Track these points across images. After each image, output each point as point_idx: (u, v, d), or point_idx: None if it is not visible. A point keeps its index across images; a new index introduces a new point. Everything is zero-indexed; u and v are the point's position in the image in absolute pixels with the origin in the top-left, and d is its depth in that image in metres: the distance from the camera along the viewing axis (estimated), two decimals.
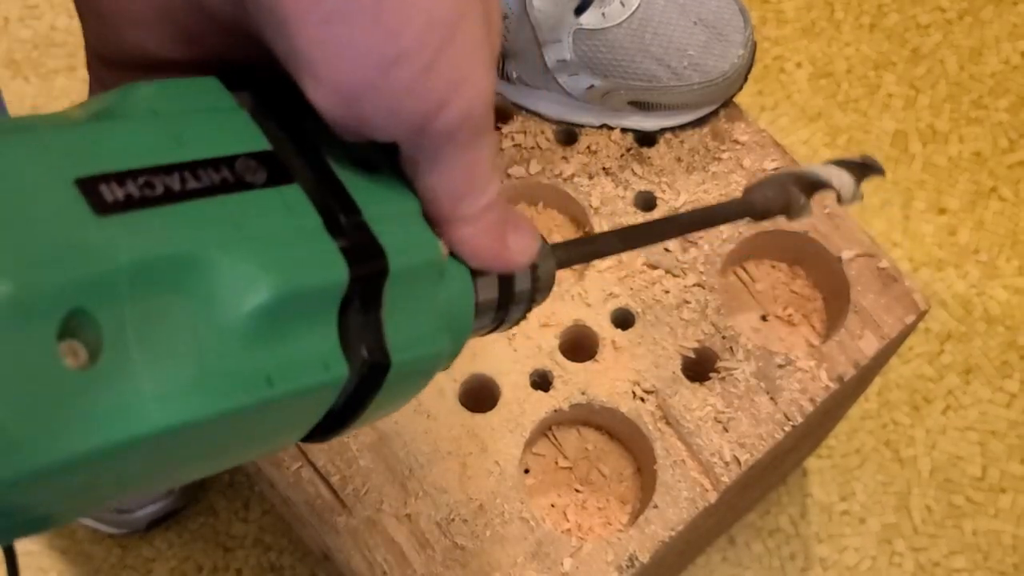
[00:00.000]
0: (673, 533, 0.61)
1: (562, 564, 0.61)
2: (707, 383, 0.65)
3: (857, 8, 1.21)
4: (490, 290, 0.33)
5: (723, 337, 0.66)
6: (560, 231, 0.72)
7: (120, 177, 0.23)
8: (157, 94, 0.26)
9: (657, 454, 0.63)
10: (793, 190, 0.47)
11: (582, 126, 0.73)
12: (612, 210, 0.70)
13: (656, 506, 0.62)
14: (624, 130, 0.72)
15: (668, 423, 0.64)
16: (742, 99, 0.74)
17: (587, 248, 0.39)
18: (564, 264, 0.37)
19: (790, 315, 0.70)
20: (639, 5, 0.68)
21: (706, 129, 0.73)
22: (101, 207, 0.22)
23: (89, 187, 0.22)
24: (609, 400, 0.65)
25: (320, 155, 0.28)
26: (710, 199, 0.70)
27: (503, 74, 0.72)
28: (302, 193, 0.26)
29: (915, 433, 1.01)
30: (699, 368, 0.67)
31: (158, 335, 0.23)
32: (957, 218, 1.10)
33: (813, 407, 0.65)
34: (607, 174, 0.71)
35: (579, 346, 0.67)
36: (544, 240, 0.35)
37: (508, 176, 0.71)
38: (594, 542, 0.61)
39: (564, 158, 0.72)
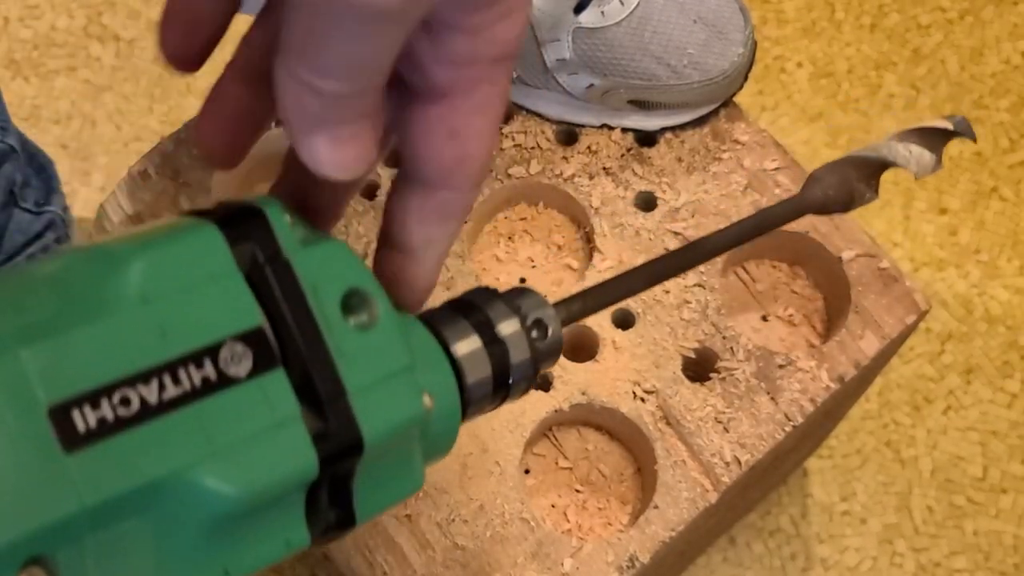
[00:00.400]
0: (673, 533, 0.61)
1: (562, 564, 0.60)
2: (707, 383, 0.65)
3: (858, 8, 1.21)
4: (483, 372, 0.31)
5: (724, 337, 0.66)
6: (560, 231, 0.72)
7: (95, 397, 0.23)
8: (149, 274, 0.25)
9: (657, 454, 0.63)
10: (856, 182, 0.43)
11: (582, 126, 0.73)
12: (612, 210, 0.70)
13: (656, 506, 0.62)
14: (624, 130, 0.72)
15: (668, 423, 0.64)
16: (742, 99, 0.74)
17: (594, 300, 0.36)
18: (577, 318, 0.35)
19: (791, 315, 0.70)
20: (638, 3, 0.68)
21: (706, 129, 0.72)
22: (70, 442, 0.22)
23: (61, 416, 0.23)
24: (609, 400, 0.65)
25: (312, 316, 0.27)
26: (710, 199, 0.70)
27: None
28: (284, 380, 0.26)
29: (916, 433, 1.01)
30: (699, 368, 0.67)
31: (117, 559, 0.23)
32: (958, 218, 1.10)
33: (814, 407, 0.65)
34: (607, 174, 0.71)
35: (579, 346, 0.67)
36: (547, 300, 0.33)
37: (508, 176, 0.71)
38: (594, 542, 0.61)
39: (564, 158, 0.72)
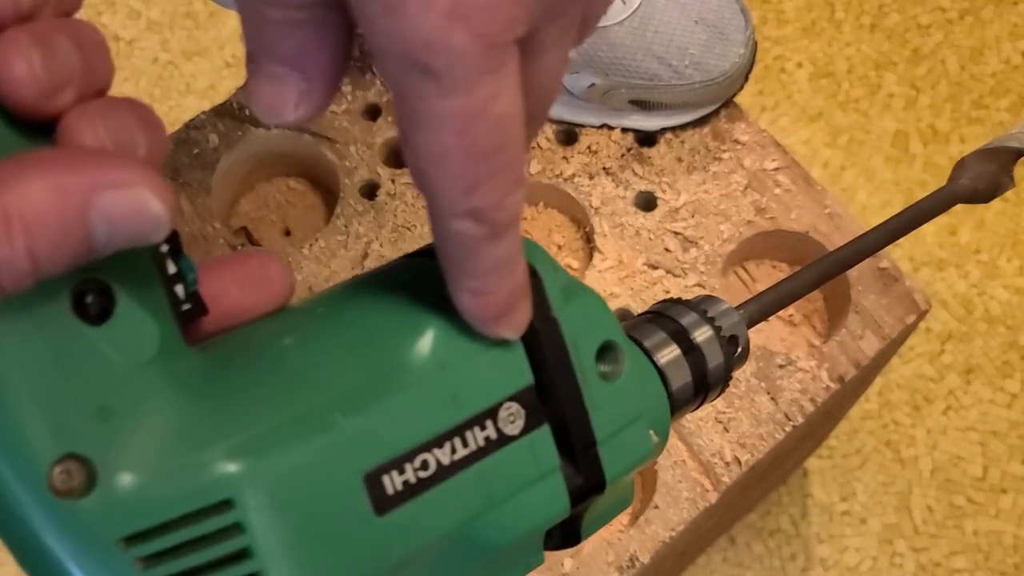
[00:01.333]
0: (673, 533, 0.61)
1: (562, 564, 0.60)
2: None
3: (858, 8, 1.21)
4: (683, 379, 0.33)
5: None
6: (560, 231, 0.72)
7: (400, 463, 0.26)
8: (445, 342, 0.28)
9: None
10: (999, 171, 0.44)
11: (582, 126, 0.73)
12: (612, 210, 0.70)
13: (656, 506, 0.62)
14: (624, 130, 0.72)
15: None
16: (743, 99, 0.74)
17: (775, 295, 0.37)
18: (757, 321, 0.37)
19: (791, 315, 0.70)
20: (640, 3, 0.68)
21: (707, 129, 0.72)
22: (380, 506, 0.25)
23: (374, 481, 0.25)
24: None
25: (572, 372, 0.29)
26: (711, 199, 0.70)
27: None
28: (549, 435, 0.29)
29: (916, 433, 1.01)
30: None
31: None
32: (958, 218, 1.10)
33: (814, 407, 0.65)
34: (607, 174, 0.71)
35: None
36: (729, 305, 0.35)
37: None
38: (594, 542, 0.61)
39: (564, 158, 0.72)
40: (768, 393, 0.65)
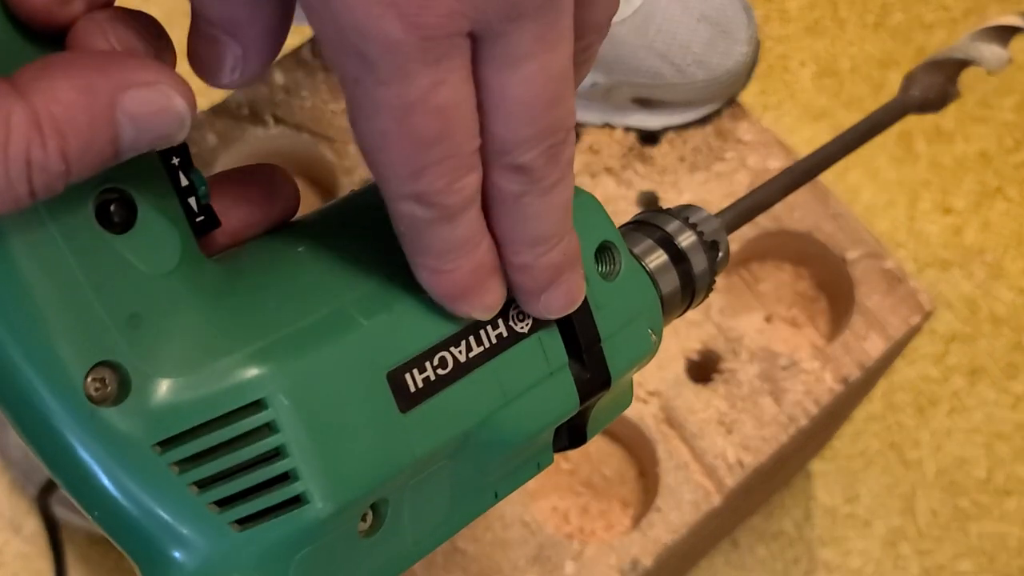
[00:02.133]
0: (676, 536, 0.61)
1: (564, 568, 0.60)
2: (711, 385, 0.65)
3: (861, 7, 1.20)
4: (672, 285, 0.34)
5: (727, 338, 0.66)
6: None
7: (420, 361, 0.27)
8: None
9: (660, 457, 0.62)
10: (945, 82, 0.46)
11: (585, 125, 0.72)
12: (614, 210, 0.69)
13: (659, 509, 0.61)
14: (627, 129, 0.72)
15: (671, 425, 0.63)
16: (746, 98, 0.74)
17: (750, 202, 0.39)
18: (735, 227, 0.38)
19: (794, 316, 0.70)
20: (643, 1, 0.68)
21: (709, 128, 0.72)
22: (404, 402, 0.26)
23: (397, 379, 0.26)
24: None
25: None
26: (713, 198, 0.69)
27: None
28: (556, 333, 0.30)
29: (920, 435, 1.01)
30: (703, 370, 0.66)
31: (423, 494, 0.28)
32: (963, 218, 1.10)
33: (818, 409, 0.64)
34: (610, 173, 0.71)
35: None
36: (709, 212, 0.36)
37: None
38: (596, 545, 0.61)
39: None
40: (771, 395, 0.64)
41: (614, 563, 0.60)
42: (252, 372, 0.24)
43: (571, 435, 0.32)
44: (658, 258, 0.34)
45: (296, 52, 0.74)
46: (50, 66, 0.21)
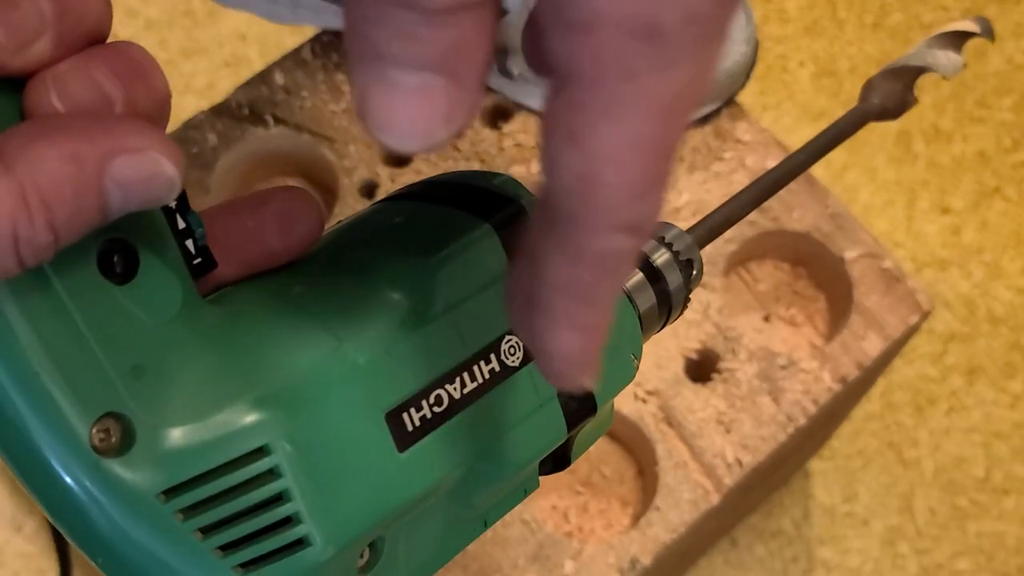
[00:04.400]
0: (675, 535, 0.61)
1: (563, 566, 0.60)
2: (709, 384, 0.65)
3: (860, 7, 1.20)
4: (649, 302, 0.35)
5: (725, 338, 0.66)
6: None
7: (418, 400, 0.27)
8: (451, 284, 0.29)
9: (659, 456, 0.63)
10: (904, 89, 0.47)
11: None
12: None
13: (658, 508, 0.61)
14: None
15: (670, 424, 0.64)
16: (744, 98, 0.74)
17: (721, 216, 0.39)
18: (706, 242, 0.38)
19: (793, 316, 0.70)
20: None
21: (708, 128, 0.72)
22: (402, 442, 0.27)
23: (395, 419, 0.27)
24: None
25: None
26: (712, 198, 0.70)
27: (505, 71, 0.71)
28: None
29: (918, 434, 1.01)
30: (701, 369, 0.66)
31: (418, 528, 0.28)
32: (961, 218, 1.10)
33: (816, 408, 0.64)
34: None
35: None
36: (681, 229, 0.37)
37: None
38: (595, 544, 0.61)
39: None
40: (770, 394, 0.64)
41: (613, 562, 0.60)
42: (254, 419, 0.25)
43: (556, 460, 0.33)
44: (634, 277, 0.34)
45: (296, 52, 0.74)
46: (36, 133, 0.21)
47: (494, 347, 0.29)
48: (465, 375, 0.28)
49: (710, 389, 0.65)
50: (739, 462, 0.63)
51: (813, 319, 0.70)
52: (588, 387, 0.24)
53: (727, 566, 0.95)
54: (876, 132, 1.14)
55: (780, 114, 1.14)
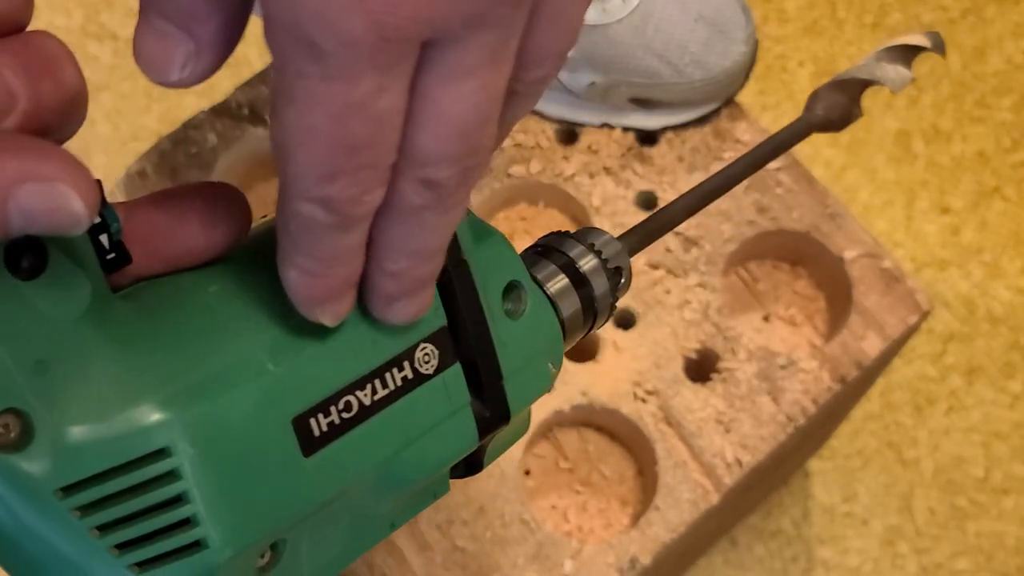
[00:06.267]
0: (675, 535, 0.61)
1: (563, 566, 0.60)
2: (709, 384, 0.65)
3: (859, 7, 1.20)
4: (573, 307, 0.35)
5: (725, 338, 0.66)
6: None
7: (326, 406, 0.27)
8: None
9: (658, 455, 0.63)
10: (849, 102, 0.47)
11: (583, 125, 0.72)
12: (613, 209, 0.70)
13: (657, 508, 0.62)
14: (625, 129, 0.72)
15: (670, 424, 0.64)
16: (744, 98, 0.74)
17: (653, 225, 0.39)
18: (637, 249, 0.38)
19: (792, 315, 0.70)
20: (640, 1, 0.68)
21: (708, 128, 0.72)
22: (308, 447, 0.27)
23: (302, 424, 0.27)
24: (610, 401, 0.64)
25: (482, 312, 0.31)
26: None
27: None
28: (460, 373, 0.30)
29: (918, 434, 1.01)
30: (701, 369, 0.66)
31: (322, 531, 0.28)
32: (960, 218, 1.10)
33: (816, 408, 0.64)
34: (608, 173, 0.71)
35: (580, 347, 0.67)
36: (611, 236, 0.37)
37: (509, 176, 0.71)
38: (595, 544, 0.61)
39: (565, 157, 0.71)
40: (769, 394, 0.64)
41: (613, 561, 0.60)
42: (157, 419, 0.25)
43: (468, 465, 0.33)
44: (559, 282, 0.35)
45: None
46: None
47: (408, 354, 0.29)
48: (376, 382, 0.28)
49: (709, 389, 0.65)
50: (739, 462, 0.63)
51: (812, 319, 0.70)
52: (325, 323, 0.27)
53: (727, 566, 0.95)
54: (876, 132, 1.14)
55: (779, 114, 1.14)
